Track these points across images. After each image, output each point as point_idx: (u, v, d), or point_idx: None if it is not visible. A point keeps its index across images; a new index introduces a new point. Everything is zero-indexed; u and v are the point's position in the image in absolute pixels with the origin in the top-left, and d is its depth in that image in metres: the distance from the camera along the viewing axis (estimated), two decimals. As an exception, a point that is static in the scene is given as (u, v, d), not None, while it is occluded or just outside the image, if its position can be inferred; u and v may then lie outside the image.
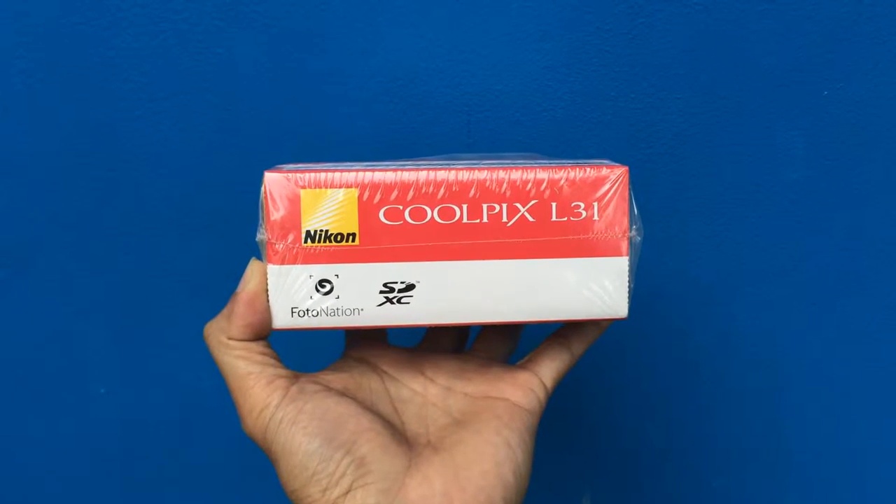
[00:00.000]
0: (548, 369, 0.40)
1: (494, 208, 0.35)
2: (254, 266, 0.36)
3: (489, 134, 0.53)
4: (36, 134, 0.52)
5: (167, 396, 0.56)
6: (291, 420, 0.34)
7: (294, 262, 0.34)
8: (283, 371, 0.36)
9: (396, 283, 0.35)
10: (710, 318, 0.56)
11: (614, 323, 0.56)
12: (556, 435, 0.58)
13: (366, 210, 0.34)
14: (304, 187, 0.34)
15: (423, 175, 0.34)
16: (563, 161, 0.38)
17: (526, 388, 0.38)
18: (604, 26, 0.52)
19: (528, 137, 0.53)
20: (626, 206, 0.35)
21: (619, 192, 0.35)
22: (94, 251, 0.54)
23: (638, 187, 0.54)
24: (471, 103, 0.53)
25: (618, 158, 0.53)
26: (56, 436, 0.56)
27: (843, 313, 0.56)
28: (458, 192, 0.34)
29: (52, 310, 0.55)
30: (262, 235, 0.35)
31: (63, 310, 0.55)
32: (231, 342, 0.36)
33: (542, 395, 0.39)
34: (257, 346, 0.36)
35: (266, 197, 0.34)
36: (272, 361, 0.36)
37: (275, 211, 0.34)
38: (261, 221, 0.35)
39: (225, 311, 0.36)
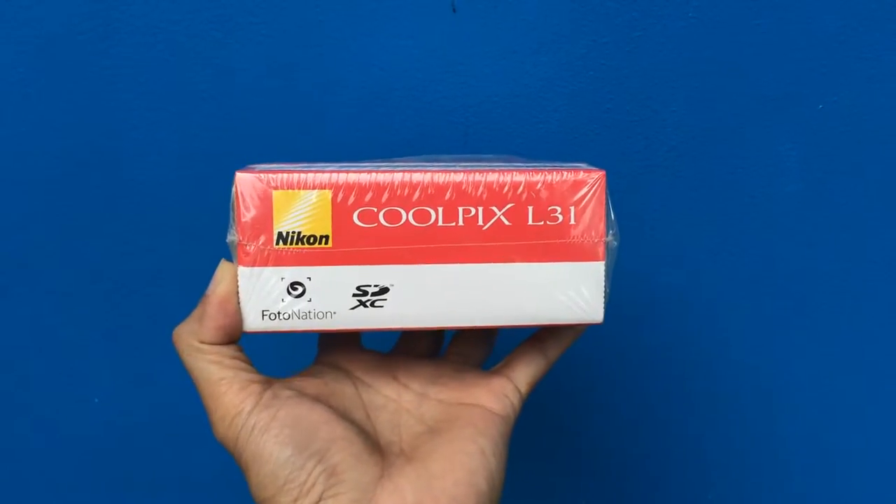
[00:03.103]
0: (522, 374, 0.39)
1: (470, 211, 0.34)
2: (224, 267, 0.35)
3: (486, 144, 0.53)
4: (33, 141, 0.52)
5: (161, 406, 0.56)
6: (263, 428, 0.34)
7: (265, 264, 0.34)
8: (256, 376, 0.36)
9: (370, 286, 0.34)
10: (704, 328, 0.56)
11: (613, 332, 0.56)
12: (549, 444, 0.58)
13: (339, 212, 0.34)
14: (276, 188, 0.34)
15: (398, 177, 0.34)
16: (541, 164, 0.37)
17: (500, 394, 0.38)
18: (600, 39, 0.52)
19: (525, 148, 0.53)
20: (602, 210, 0.35)
21: (596, 196, 0.35)
22: (90, 260, 0.54)
23: (633, 199, 0.54)
24: (468, 114, 0.53)
25: (613, 170, 0.53)
26: (50, 445, 0.56)
27: (837, 325, 0.56)
28: (433, 195, 0.34)
29: (46, 318, 0.55)
30: (232, 237, 0.34)
31: (57, 319, 0.55)
32: (203, 346, 0.35)
33: (516, 401, 0.38)
34: (229, 351, 0.35)
35: (237, 197, 0.34)
36: (245, 366, 0.36)
37: (246, 212, 0.34)
38: (231, 222, 0.34)
39: (195, 313, 0.36)
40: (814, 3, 0.52)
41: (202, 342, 0.35)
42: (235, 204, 0.34)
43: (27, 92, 0.52)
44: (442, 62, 0.52)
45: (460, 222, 0.34)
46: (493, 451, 0.36)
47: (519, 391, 0.38)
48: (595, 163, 0.53)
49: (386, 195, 0.34)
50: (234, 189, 0.34)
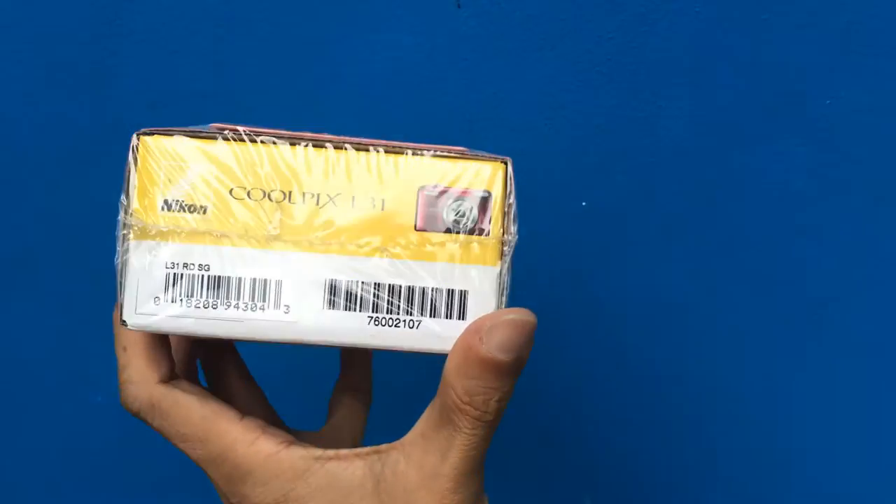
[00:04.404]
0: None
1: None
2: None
3: (490, 141, 0.53)
4: (35, 139, 0.52)
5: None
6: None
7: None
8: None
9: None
10: (711, 326, 0.56)
11: (620, 331, 0.56)
12: (555, 438, 0.58)
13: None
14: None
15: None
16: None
17: None
18: (605, 34, 0.52)
19: (529, 146, 0.53)
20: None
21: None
22: (93, 258, 0.54)
23: (639, 196, 0.54)
24: (472, 110, 0.53)
25: (619, 168, 0.53)
26: (52, 444, 0.56)
27: (847, 322, 0.56)
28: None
29: (48, 319, 0.55)
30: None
31: (59, 317, 0.55)
32: None
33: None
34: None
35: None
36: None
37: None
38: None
39: None
40: (821, -2, 0.52)
41: None
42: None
43: (29, 89, 0.52)
44: (446, 58, 0.52)
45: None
46: None
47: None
48: (601, 159, 0.54)
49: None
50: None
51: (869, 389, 0.57)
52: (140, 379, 0.33)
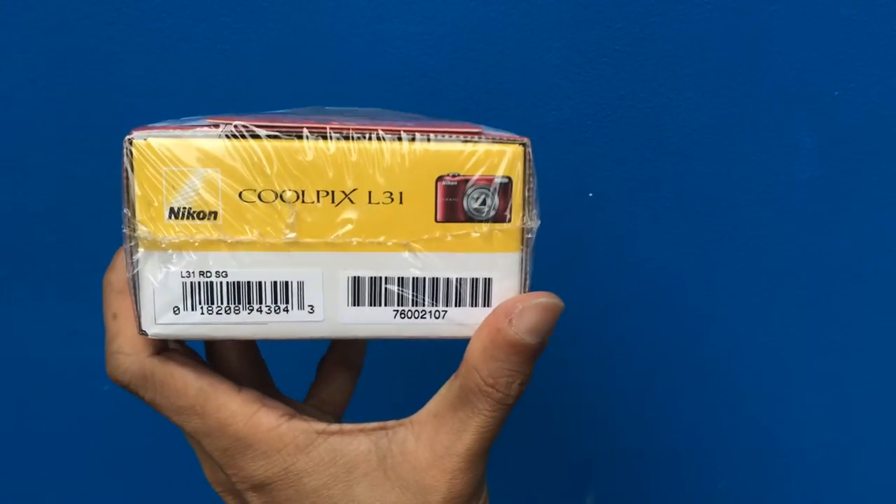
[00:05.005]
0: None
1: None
2: None
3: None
4: (37, 130, 0.52)
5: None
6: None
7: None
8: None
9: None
10: (717, 316, 0.56)
11: (624, 323, 0.56)
12: (558, 434, 0.58)
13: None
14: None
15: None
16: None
17: None
18: (614, 25, 0.52)
19: (538, 136, 0.53)
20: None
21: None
22: (96, 248, 0.54)
23: (647, 186, 0.53)
24: (479, 101, 0.52)
25: (627, 157, 0.53)
26: (59, 433, 0.56)
27: (854, 314, 0.56)
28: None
29: (54, 307, 0.54)
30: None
31: (65, 306, 0.54)
32: None
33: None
34: None
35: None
36: None
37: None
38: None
39: None
40: (830, -12, 0.52)
41: None
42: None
43: (31, 78, 0.51)
44: (453, 49, 0.52)
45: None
46: None
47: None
48: (609, 149, 0.54)
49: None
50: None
51: (877, 384, 0.57)
52: (132, 350, 0.31)
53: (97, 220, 0.53)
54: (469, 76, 0.52)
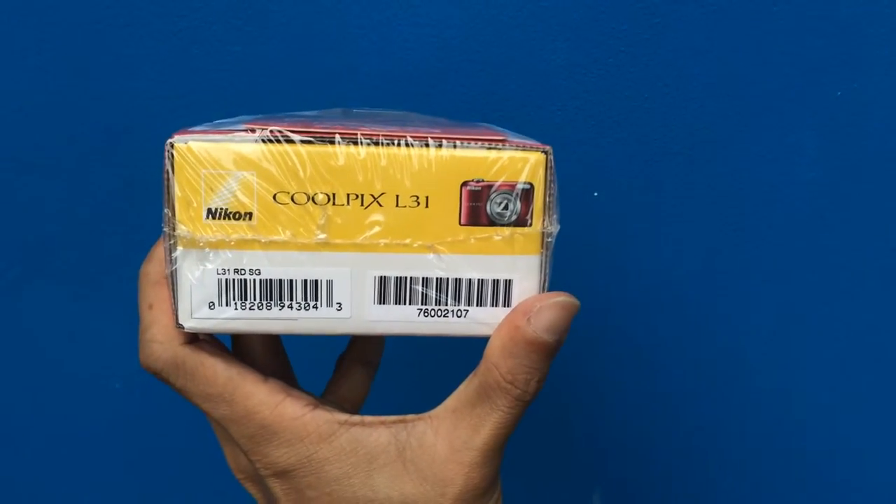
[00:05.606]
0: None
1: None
2: None
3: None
4: (51, 131, 0.52)
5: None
6: None
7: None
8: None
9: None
10: (722, 316, 0.56)
11: (630, 324, 0.56)
12: (565, 432, 0.58)
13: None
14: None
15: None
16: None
17: None
18: (619, 26, 0.52)
19: (543, 136, 0.53)
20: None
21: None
22: (109, 248, 0.54)
23: (651, 186, 0.54)
24: (486, 101, 0.53)
25: (631, 158, 0.53)
26: (72, 431, 0.57)
27: (857, 314, 0.56)
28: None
29: (67, 306, 0.55)
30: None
31: (78, 306, 0.55)
32: None
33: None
34: None
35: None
36: None
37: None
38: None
39: None
40: (832, -11, 0.52)
41: None
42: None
43: (45, 80, 0.52)
44: (460, 49, 0.52)
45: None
46: None
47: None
48: (614, 149, 0.54)
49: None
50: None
51: (880, 383, 0.57)
52: (165, 338, 0.33)
53: (110, 221, 0.54)
54: (475, 77, 0.53)
